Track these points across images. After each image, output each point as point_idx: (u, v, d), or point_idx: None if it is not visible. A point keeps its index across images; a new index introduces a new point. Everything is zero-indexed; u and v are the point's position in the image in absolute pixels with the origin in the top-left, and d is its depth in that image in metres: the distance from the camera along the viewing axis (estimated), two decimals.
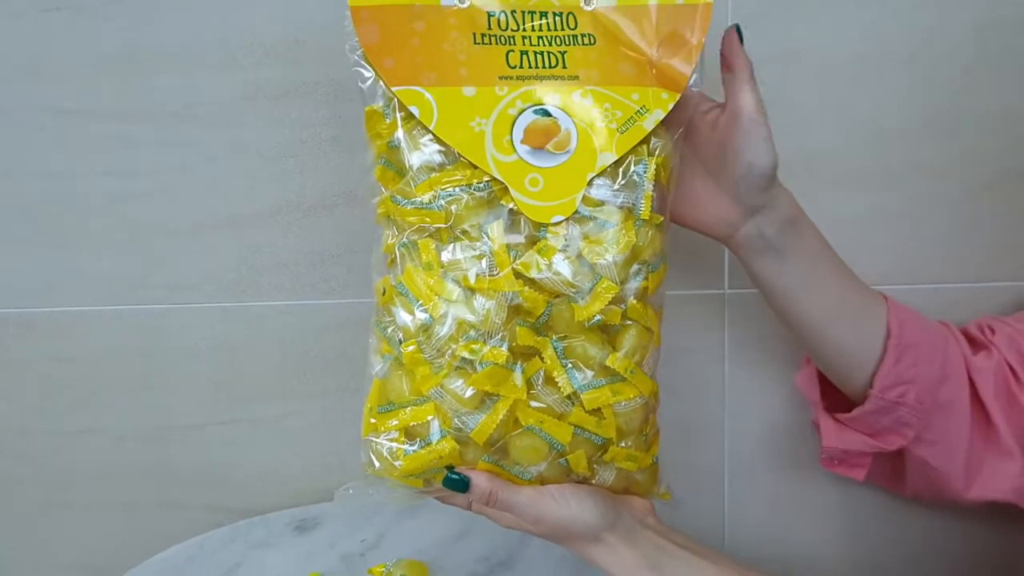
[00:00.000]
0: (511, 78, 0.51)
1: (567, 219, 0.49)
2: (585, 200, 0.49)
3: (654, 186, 0.50)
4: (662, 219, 0.52)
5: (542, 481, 0.51)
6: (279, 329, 0.75)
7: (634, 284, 0.50)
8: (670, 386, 0.71)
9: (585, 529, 0.51)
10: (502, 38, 0.51)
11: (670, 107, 0.51)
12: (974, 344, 0.64)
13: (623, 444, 0.51)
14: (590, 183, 0.49)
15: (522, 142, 0.49)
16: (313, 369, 0.76)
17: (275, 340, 0.75)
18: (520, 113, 0.50)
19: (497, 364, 0.48)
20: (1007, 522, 0.73)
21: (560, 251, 0.49)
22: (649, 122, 0.50)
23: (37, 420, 0.76)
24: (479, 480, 0.50)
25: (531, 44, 0.52)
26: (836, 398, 0.67)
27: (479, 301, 0.48)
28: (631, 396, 0.50)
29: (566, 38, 0.52)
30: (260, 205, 0.73)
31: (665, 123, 0.51)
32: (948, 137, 0.71)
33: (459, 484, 0.50)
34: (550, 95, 0.50)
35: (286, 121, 0.71)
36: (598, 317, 0.49)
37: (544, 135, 0.50)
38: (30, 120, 0.71)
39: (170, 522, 0.76)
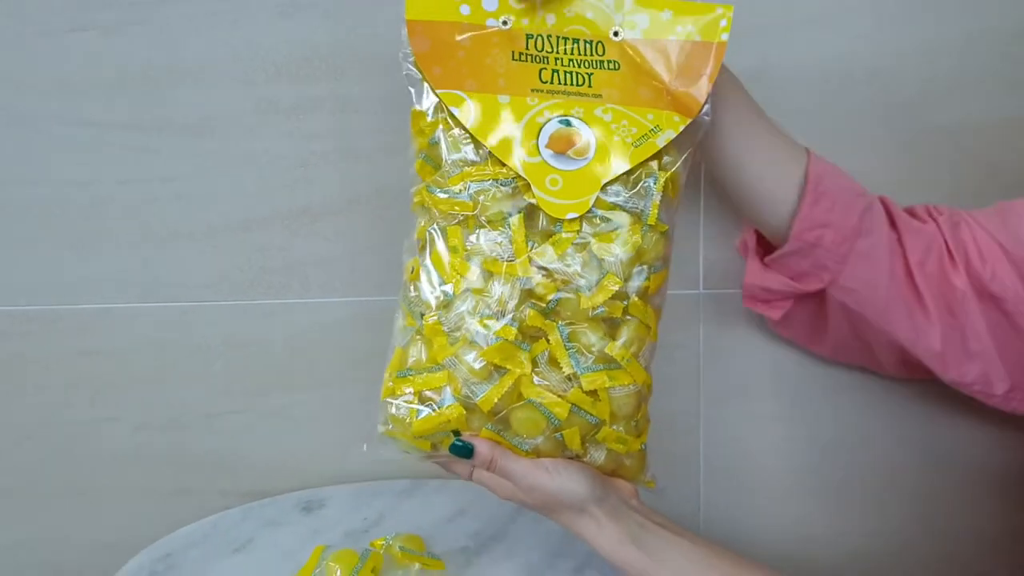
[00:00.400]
0: (542, 91, 0.55)
1: (580, 216, 0.53)
2: (598, 202, 0.53)
3: (662, 197, 0.55)
4: (667, 228, 0.56)
5: (538, 454, 0.55)
6: (287, 325, 0.78)
7: (637, 283, 0.54)
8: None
9: (574, 501, 0.54)
10: (537, 57, 0.55)
11: (681, 128, 0.55)
12: (915, 217, 0.66)
13: (615, 427, 0.55)
14: (604, 188, 0.54)
15: (546, 147, 0.54)
16: (318, 362, 0.78)
17: (283, 335, 0.78)
18: (547, 122, 0.54)
19: (507, 340, 0.52)
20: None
21: (572, 245, 0.53)
22: (662, 139, 0.54)
23: (61, 410, 0.79)
24: (482, 447, 0.54)
25: (562, 64, 0.56)
26: (771, 249, 0.68)
27: (496, 283, 0.53)
28: (626, 383, 0.55)
29: (594, 62, 0.56)
30: (270, 210, 0.76)
31: (676, 143, 0.56)
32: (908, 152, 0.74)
33: (464, 450, 0.54)
34: (575, 108, 0.55)
35: (295, 133, 0.74)
36: (601, 308, 0.53)
37: (567, 142, 0.54)
38: (58, 131, 0.74)
39: (185, 505, 0.79)
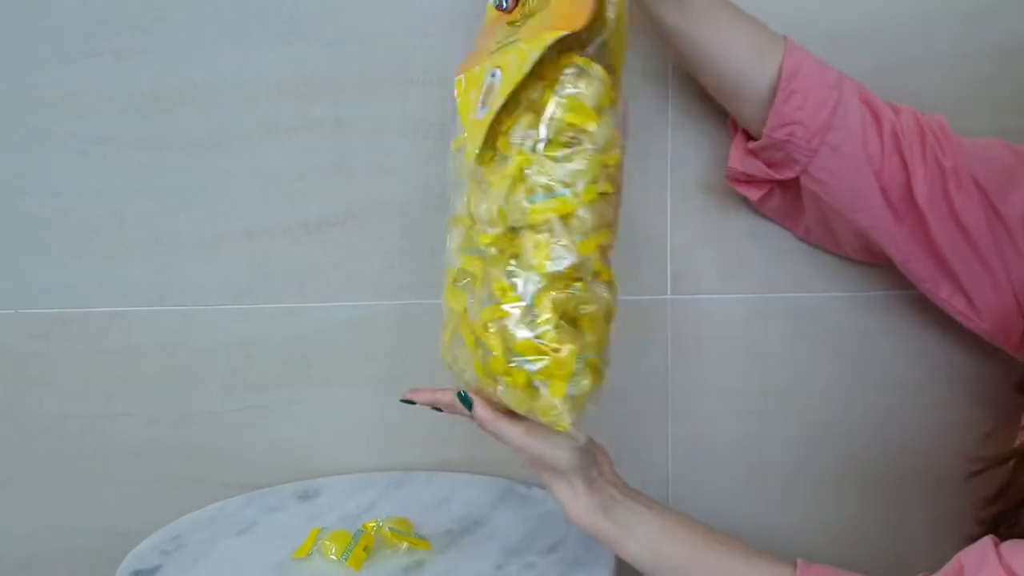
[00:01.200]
0: (494, 52, 0.56)
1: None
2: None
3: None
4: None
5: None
6: (288, 328, 0.81)
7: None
8: (619, 380, 0.72)
9: (557, 464, 0.57)
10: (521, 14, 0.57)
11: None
12: (899, 118, 0.66)
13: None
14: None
15: (481, 103, 0.55)
16: (316, 363, 0.81)
17: (284, 337, 0.81)
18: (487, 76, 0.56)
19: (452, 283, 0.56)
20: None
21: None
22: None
23: (79, 405, 0.82)
24: (477, 406, 0.57)
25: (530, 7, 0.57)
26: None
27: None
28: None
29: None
30: (272, 222, 0.79)
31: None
32: None
33: (466, 401, 0.57)
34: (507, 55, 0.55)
35: (296, 150, 0.77)
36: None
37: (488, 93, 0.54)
38: (76, 147, 0.77)
39: (192, 494, 0.81)
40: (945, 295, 0.68)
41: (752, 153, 0.70)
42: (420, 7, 0.74)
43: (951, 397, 0.81)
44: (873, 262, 0.74)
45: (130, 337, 0.82)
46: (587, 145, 0.53)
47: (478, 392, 0.58)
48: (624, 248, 0.70)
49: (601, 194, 0.54)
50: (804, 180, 0.67)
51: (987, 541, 0.52)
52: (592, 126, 0.52)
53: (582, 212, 0.53)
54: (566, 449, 0.57)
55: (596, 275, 0.55)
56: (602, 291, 0.55)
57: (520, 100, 0.54)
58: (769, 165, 0.69)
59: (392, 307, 0.75)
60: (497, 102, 0.53)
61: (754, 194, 0.74)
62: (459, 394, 0.58)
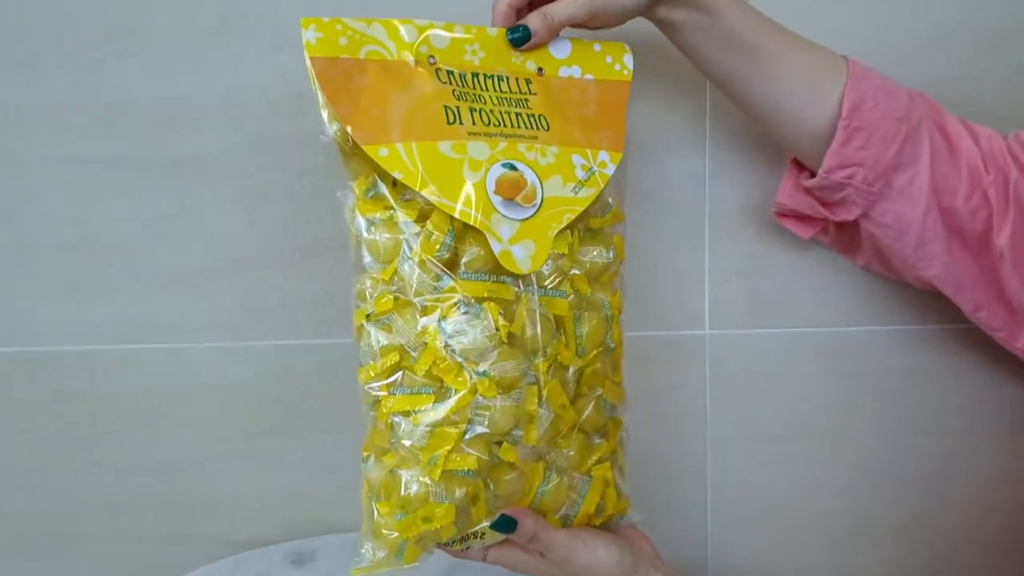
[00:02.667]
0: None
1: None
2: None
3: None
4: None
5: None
6: (279, 368, 0.76)
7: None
8: (654, 423, 0.74)
9: (607, 574, 0.54)
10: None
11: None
12: (979, 149, 0.61)
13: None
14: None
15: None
16: (311, 406, 0.77)
17: (275, 378, 0.76)
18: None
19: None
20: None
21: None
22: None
23: (47, 455, 0.77)
24: (526, 520, 0.53)
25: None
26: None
27: None
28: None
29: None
30: (261, 250, 0.74)
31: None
32: None
33: (507, 525, 0.53)
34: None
35: (288, 170, 0.73)
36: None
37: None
38: (43, 168, 0.73)
39: (174, 554, 0.77)
40: (1023, 344, 0.64)
41: (805, 190, 0.65)
42: (419, 16, 0.69)
43: (1015, 443, 0.77)
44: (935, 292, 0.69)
45: (102, 379, 0.77)
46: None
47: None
48: (660, 280, 0.75)
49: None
50: (864, 223, 0.64)
51: None
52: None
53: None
54: (611, 552, 0.55)
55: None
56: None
57: None
58: (824, 204, 0.65)
59: None
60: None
61: (805, 232, 0.69)
62: (498, 520, 0.53)
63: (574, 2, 0.56)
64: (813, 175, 0.63)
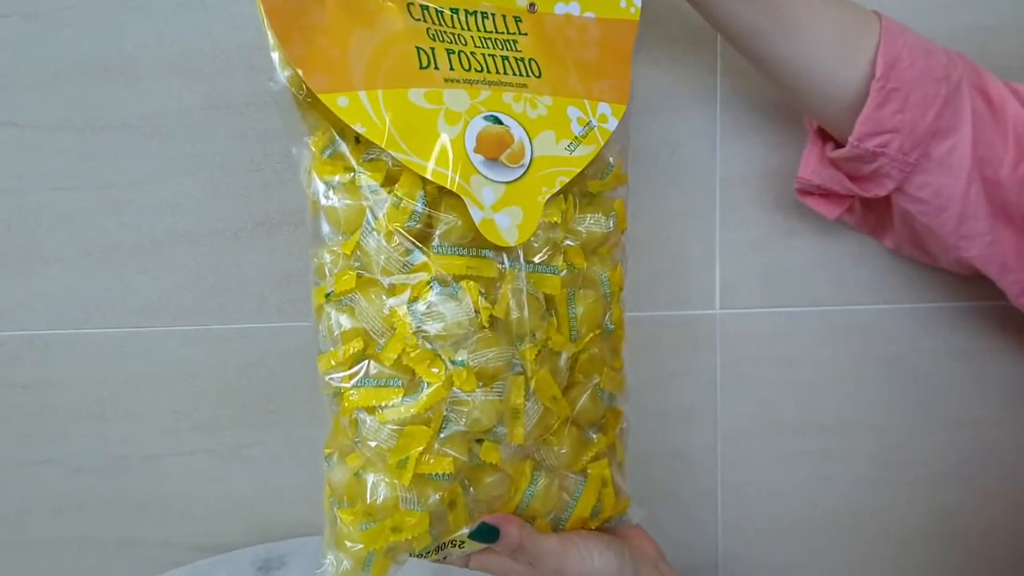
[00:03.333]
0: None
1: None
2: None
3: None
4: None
5: None
6: (242, 353, 0.73)
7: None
8: (660, 413, 0.72)
9: None
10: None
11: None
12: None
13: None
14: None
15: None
16: (278, 395, 0.74)
17: (238, 365, 0.73)
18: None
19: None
20: None
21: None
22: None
23: None
24: (511, 528, 0.49)
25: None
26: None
27: None
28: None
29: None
30: (222, 222, 0.71)
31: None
32: None
33: (488, 534, 0.49)
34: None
35: (249, 133, 0.69)
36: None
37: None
38: None
39: (127, 559, 0.75)
40: None
41: (832, 163, 0.61)
42: None
43: None
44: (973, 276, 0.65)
45: (48, 366, 0.74)
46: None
47: None
48: (665, 254, 0.72)
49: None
50: (897, 199, 0.60)
51: None
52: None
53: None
54: (609, 559, 0.51)
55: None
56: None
57: None
58: (853, 179, 0.61)
59: None
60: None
61: (832, 211, 0.65)
62: (477, 529, 0.49)
63: None
64: (840, 146, 0.59)
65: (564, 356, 0.50)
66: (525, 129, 0.48)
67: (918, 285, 0.72)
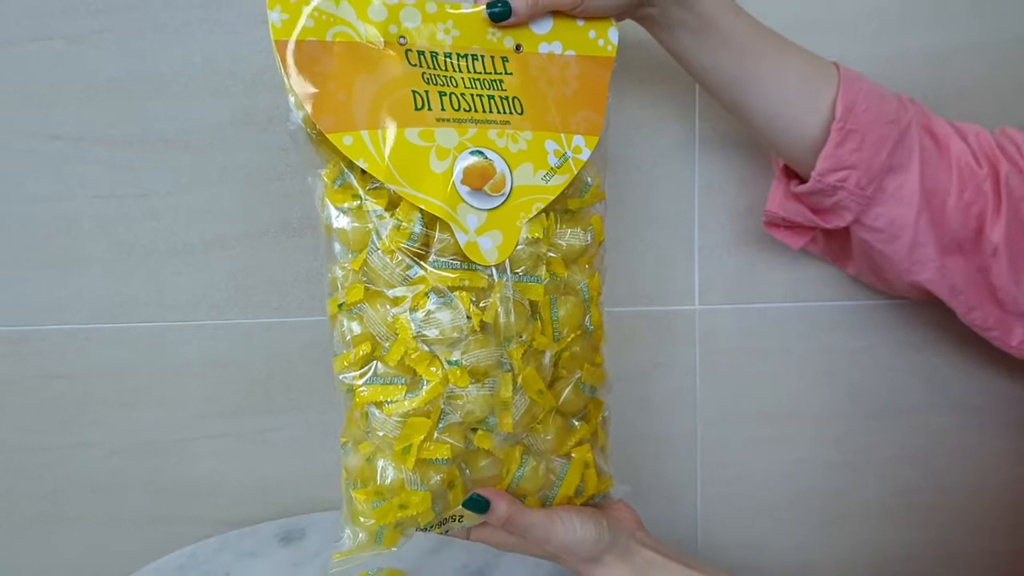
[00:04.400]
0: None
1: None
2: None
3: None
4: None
5: None
6: (266, 345, 0.76)
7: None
8: (643, 401, 0.74)
9: (587, 551, 0.54)
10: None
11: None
12: (965, 140, 0.62)
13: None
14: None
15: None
16: (298, 384, 0.76)
17: (262, 356, 0.76)
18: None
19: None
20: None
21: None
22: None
23: (30, 436, 0.77)
24: (500, 502, 0.52)
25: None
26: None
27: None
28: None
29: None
30: (248, 226, 0.74)
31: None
32: None
33: (480, 504, 0.52)
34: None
35: (273, 147, 0.72)
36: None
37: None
38: (23, 145, 0.72)
39: (159, 534, 0.77)
40: (1017, 341, 0.63)
41: (796, 197, 0.65)
42: None
43: (1010, 419, 0.77)
44: (926, 299, 0.69)
45: (88, 358, 0.76)
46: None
47: None
48: (648, 255, 0.74)
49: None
50: (856, 229, 0.64)
51: None
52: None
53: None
54: (589, 529, 0.54)
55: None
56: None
57: None
58: (815, 212, 0.65)
59: None
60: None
61: (796, 242, 0.70)
62: (470, 499, 0.53)
63: None
64: (803, 182, 0.63)
65: (548, 354, 0.53)
66: (506, 162, 0.51)
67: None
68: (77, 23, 0.70)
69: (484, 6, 0.54)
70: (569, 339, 0.54)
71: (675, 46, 0.60)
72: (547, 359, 0.54)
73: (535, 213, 0.52)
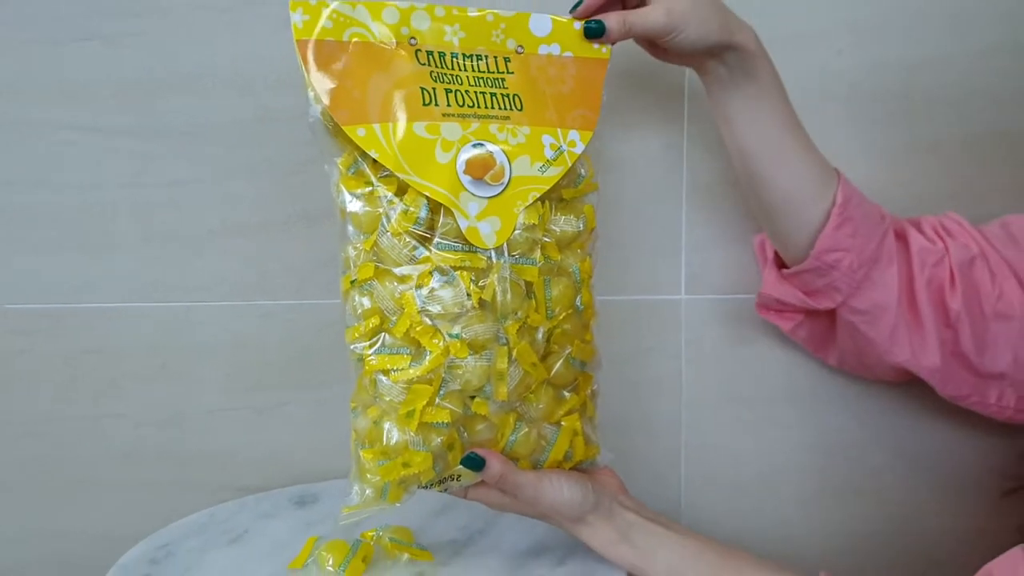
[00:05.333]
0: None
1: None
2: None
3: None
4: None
5: None
6: (283, 326, 0.79)
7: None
8: (631, 384, 0.77)
9: (572, 511, 0.58)
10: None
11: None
12: (923, 234, 0.67)
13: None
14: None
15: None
16: (313, 362, 0.80)
17: (280, 336, 0.79)
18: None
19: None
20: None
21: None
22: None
23: (64, 406, 0.80)
24: (494, 461, 0.56)
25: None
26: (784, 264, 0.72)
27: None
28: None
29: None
30: (268, 215, 0.77)
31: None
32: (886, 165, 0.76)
33: (476, 462, 0.56)
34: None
35: (293, 140, 0.74)
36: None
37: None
38: (62, 137, 0.75)
39: (182, 499, 0.79)
40: (994, 399, 0.68)
41: (788, 280, 0.70)
42: None
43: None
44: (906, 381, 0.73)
45: (119, 334, 0.80)
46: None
47: None
48: (637, 246, 0.77)
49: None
50: (843, 311, 0.68)
51: (1017, 551, 0.50)
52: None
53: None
54: (577, 491, 0.58)
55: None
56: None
57: None
58: (807, 293, 0.69)
59: None
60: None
61: (786, 324, 0.74)
62: (467, 457, 0.56)
63: (656, 17, 0.59)
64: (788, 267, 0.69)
65: (541, 331, 0.57)
66: (506, 154, 0.55)
67: None
68: (113, 25, 0.74)
69: (579, 22, 0.59)
70: (561, 317, 0.58)
71: (727, 108, 0.64)
72: (540, 335, 0.58)
73: (531, 201, 0.55)
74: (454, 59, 0.57)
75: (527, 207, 0.56)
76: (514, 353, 0.56)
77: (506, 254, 0.55)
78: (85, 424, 0.81)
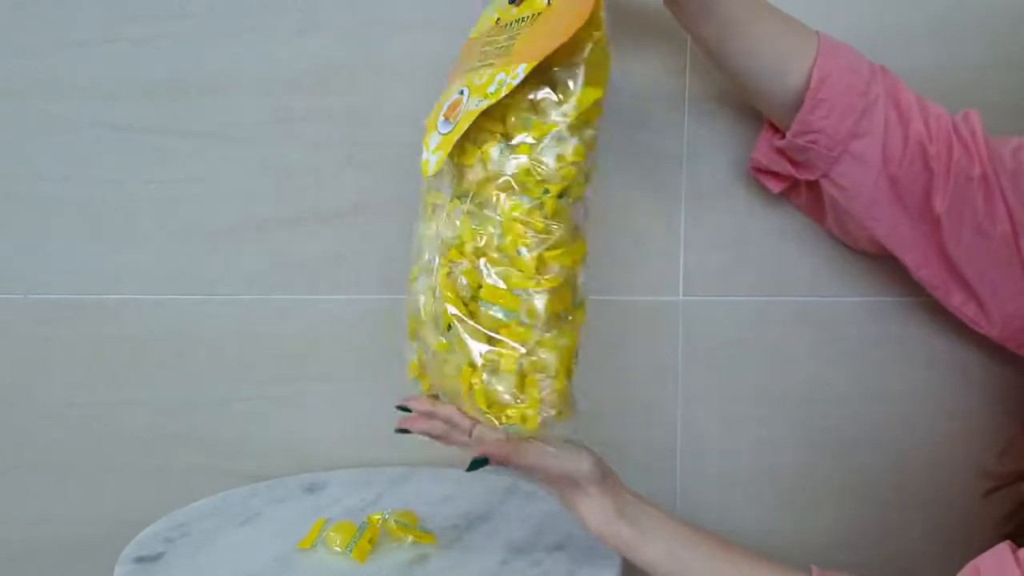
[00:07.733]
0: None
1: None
2: None
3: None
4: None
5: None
6: (297, 320, 0.80)
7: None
8: (629, 382, 0.78)
9: (577, 478, 0.57)
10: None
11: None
12: (927, 129, 0.65)
13: None
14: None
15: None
16: (325, 356, 0.81)
17: (293, 329, 0.81)
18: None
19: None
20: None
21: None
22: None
23: (84, 393, 0.82)
24: (495, 451, 0.56)
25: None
26: None
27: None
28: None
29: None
30: (283, 212, 0.79)
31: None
32: None
33: (479, 462, 0.57)
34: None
35: (309, 141, 0.77)
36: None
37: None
38: (90, 133, 0.77)
39: (198, 484, 0.80)
40: (957, 303, 0.69)
41: (777, 150, 0.71)
42: None
43: (964, 406, 0.81)
44: (887, 257, 0.73)
45: (139, 325, 0.81)
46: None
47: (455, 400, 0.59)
48: (636, 248, 0.78)
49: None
50: (824, 184, 0.69)
51: (1004, 547, 0.51)
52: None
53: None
54: (584, 459, 0.58)
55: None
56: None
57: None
58: (793, 164, 0.70)
59: (403, 301, 0.74)
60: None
61: (776, 186, 0.74)
62: (473, 462, 0.57)
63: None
64: (785, 137, 0.68)
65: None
66: (471, 95, 0.56)
67: (852, 281, 0.79)
68: (141, 28, 0.76)
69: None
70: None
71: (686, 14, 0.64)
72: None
73: (459, 133, 0.55)
74: (498, 24, 0.61)
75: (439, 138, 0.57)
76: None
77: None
78: (104, 410, 0.83)
